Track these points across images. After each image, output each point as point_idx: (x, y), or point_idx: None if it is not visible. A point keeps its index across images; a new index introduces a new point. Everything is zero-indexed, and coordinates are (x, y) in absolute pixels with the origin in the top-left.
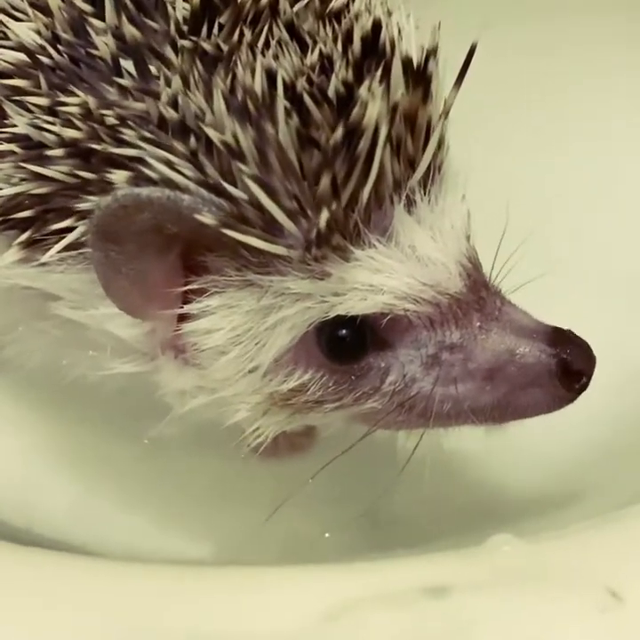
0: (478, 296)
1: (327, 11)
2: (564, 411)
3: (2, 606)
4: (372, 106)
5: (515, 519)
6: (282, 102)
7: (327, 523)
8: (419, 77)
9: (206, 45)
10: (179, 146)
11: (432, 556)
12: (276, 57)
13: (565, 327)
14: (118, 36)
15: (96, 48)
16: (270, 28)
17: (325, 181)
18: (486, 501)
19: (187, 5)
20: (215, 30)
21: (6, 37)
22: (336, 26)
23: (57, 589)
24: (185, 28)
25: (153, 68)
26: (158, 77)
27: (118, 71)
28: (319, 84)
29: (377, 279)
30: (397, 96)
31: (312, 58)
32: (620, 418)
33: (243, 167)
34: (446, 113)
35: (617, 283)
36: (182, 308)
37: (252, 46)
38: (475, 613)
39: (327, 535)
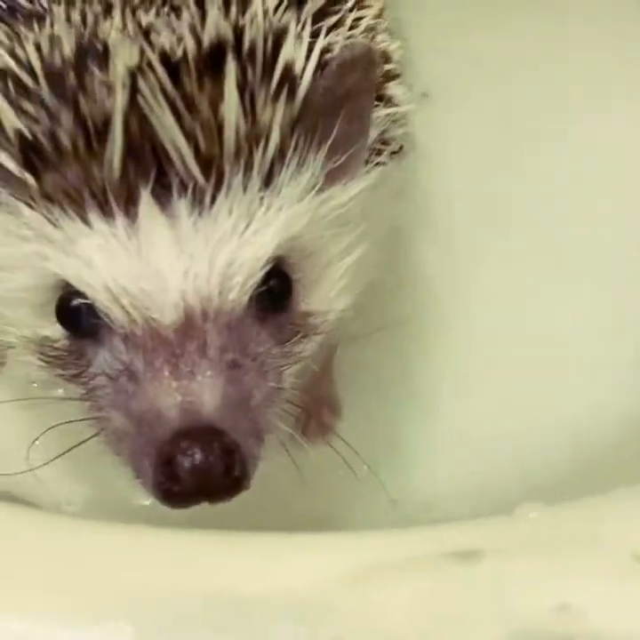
0: (180, 343)
1: None
2: (595, 382)
3: None
4: (119, 67)
5: (543, 489)
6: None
7: (350, 499)
8: (206, 69)
9: None
10: None
11: (460, 523)
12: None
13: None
14: None
15: None
16: None
17: (76, 129)
18: (514, 474)
19: None
20: None
21: None
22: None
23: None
24: None
25: None
26: None
27: None
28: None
29: (97, 257)
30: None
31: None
32: None
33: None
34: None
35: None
36: None
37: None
38: (502, 577)
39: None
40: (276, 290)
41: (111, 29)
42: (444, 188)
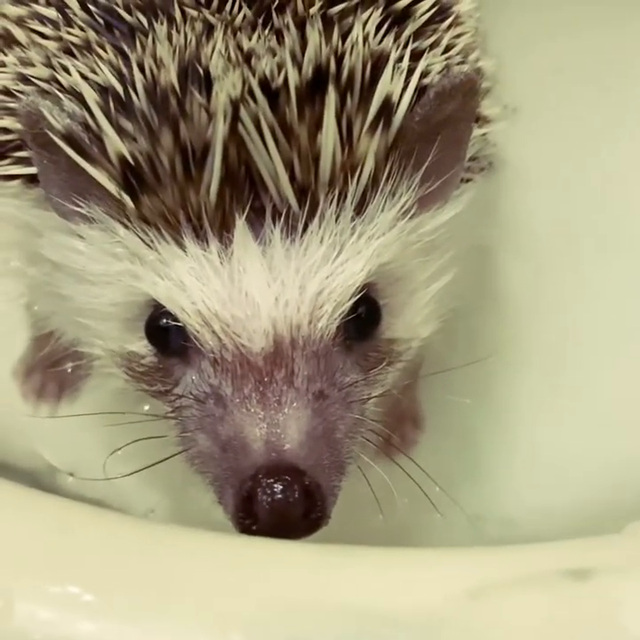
0: (269, 371)
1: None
2: None
3: None
4: (222, 93)
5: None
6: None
7: (436, 520)
8: (307, 97)
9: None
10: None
11: (570, 541)
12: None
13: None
14: None
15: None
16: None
17: (176, 154)
18: (605, 504)
19: None
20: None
21: None
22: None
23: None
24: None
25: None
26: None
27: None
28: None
29: (190, 281)
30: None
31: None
32: None
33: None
34: (376, 162)
35: None
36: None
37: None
38: (619, 595)
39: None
40: (365, 317)
41: (213, 53)
42: (531, 204)
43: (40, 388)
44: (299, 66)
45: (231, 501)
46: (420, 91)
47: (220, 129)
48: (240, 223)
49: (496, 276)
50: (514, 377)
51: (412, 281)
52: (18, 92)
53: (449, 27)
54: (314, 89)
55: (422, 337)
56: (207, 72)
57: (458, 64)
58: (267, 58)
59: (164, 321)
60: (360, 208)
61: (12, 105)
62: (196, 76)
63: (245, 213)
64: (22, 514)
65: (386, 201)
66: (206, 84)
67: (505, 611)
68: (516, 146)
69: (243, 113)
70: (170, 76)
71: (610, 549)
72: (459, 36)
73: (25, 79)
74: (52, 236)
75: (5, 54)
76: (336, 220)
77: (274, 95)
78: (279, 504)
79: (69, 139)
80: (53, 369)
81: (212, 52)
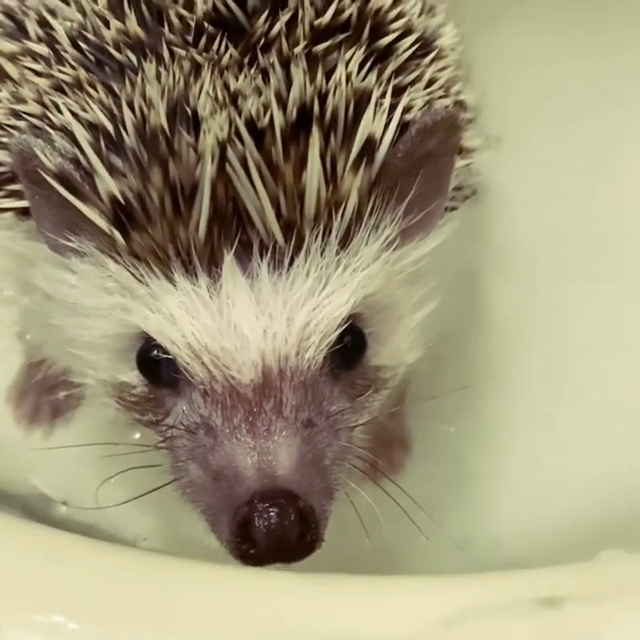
0: (258, 401)
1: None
2: None
3: None
4: (209, 134)
5: (621, 537)
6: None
7: (422, 543)
8: (292, 137)
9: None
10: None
11: (543, 569)
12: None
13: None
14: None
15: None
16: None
17: (165, 191)
18: (590, 521)
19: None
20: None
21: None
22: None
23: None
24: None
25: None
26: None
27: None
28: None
29: (179, 314)
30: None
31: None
32: None
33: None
34: (360, 197)
35: None
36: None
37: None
38: (591, 623)
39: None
40: (350, 346)
41: (200, 93)
42: (521, 230)
43: (33, 412)
44: (283, 106)
45: (227, 528)
46: (403, 126)
47: (208, 169)
48: (228, 258)
49: (484, 300)
50: (501, 400)
51: (397, 309)
52: (10, 126)
53: (431, 61)
54: (298, 128)
55: (408, 363)
56: (195, 112)
57: (440, 98)
58: (253, 98)
59: (155, 353)
60: (345, 242)
61: (4, 139)
62: (184, 116)
63: (233, 248)
64: (12, 544)
65: (370, 234)
66: (194, 123)
67: (478, 639)
68: (506, 173)
69: (230, 153)
70: (159, 115)
71: (582, 577)
72: (441, 69)
73: (17, 114)
74: (44, 267)
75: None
76: (321, 254)
77: (260, 135)
78: (276, 527)
79: (61, 177)
80: (46, 394)
81: (200, 91)
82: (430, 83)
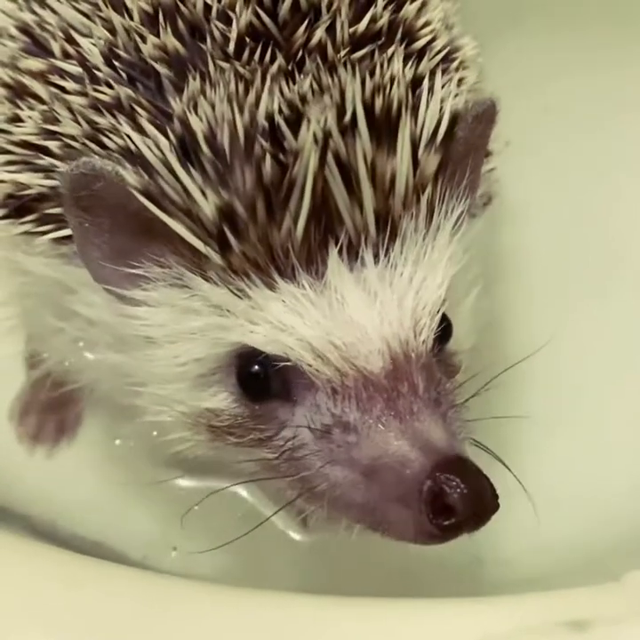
0: (393, 386)
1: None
2: None
3: None
4: (307, 133)
5: (635, 556)
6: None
7: (433, 563)
8: (381, 126)
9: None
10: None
11: (568, 591)
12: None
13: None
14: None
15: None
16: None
17: (260, 198)
18: (599, 543)
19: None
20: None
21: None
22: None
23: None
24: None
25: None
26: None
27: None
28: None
29: (289, 319)
30: (335, 134)
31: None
32: None
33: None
34: (435, 181)
35: None
36: (128, 290)
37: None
38: None
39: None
40: (442, 330)
41: (261, 100)
42: (527, 241)
43: (36, 431)
44: (367, 99)
45: (415, 514)
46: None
47: (311, 166)
48: (333, 254)
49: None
50: (507, 412)
51: (456, 294)
52: (40, 147)
53: (457, 68)
54: (388, 119)
55: (468, 348)
56: (271, 117)
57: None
58: (329, 96)
59: (256, 368)
60: (429, 224)
61: (34, 160)
62: (261, 121)
63: (339, 244)
64: (18, 564)
65: (446, 216)
66: (271, 128)
67: None
68: (513, 183)
69: (330, 146)
70: (238, 124)
71: (609, 599)
72: (465, 77)
73: (49, 133)
74: (86, 294)
75: (30, 108)
76: (414, 239)
77: (350, 128)
78: (472, 488)
79: (147, 194)
80: (50, 412)
81: (257, 99)
82: (459, 85)
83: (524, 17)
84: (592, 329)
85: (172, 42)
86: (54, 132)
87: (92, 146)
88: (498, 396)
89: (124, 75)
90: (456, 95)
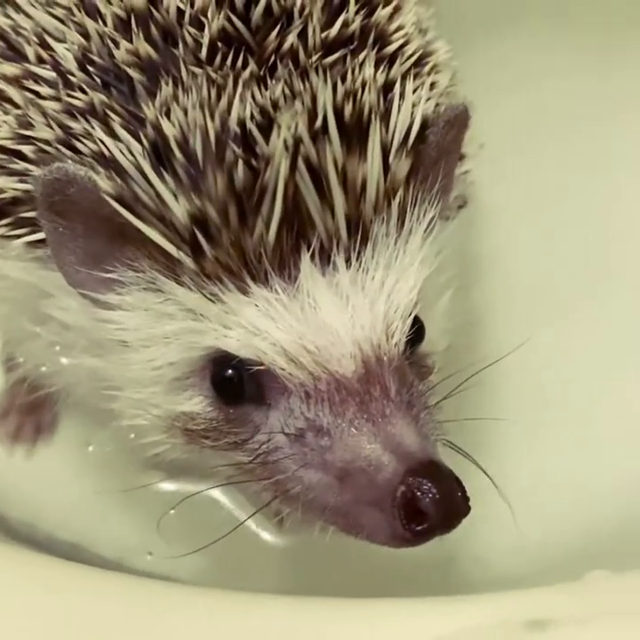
0: (366, 390)
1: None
2: None
3: None
4: (277, 137)
5: (608, 557)
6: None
7: (407, 562)
8: (351, 131)
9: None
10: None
11: (528, 590)
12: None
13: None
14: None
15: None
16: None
17: (232, 204)
18: (575, 543)
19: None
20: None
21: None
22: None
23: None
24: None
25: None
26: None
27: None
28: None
29: (263, 323)
30: (305, 138)
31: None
32: None
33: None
34: (406, 185)
35: None
36: (103, 294)
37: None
38: None
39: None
40: (413, 332)
41: (232, 106)
42: (510, 244)
43: (15, 431)
44: (337, 105)
45: (388, 517)
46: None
47: (282, 171)
48: (305, 259)
49: (473, 311)
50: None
51: (428, 297)
52: (14, 152)
53: (429, 72)
54: (359, 124)
55: (440, 351)
56: (243, 123)
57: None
58: (301, 102)
59: (230, 372)
60: (401, 229)
61: (8, 165)
62: (232, 127)
63: (310, 249)
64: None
65: (418, 220)
66: (243, 133)
67: None
68: (496, 186)
69: (300, 152)
70: (210, 130)
71: (569, 598)
72: (437, 81)
73: (24, 138)
74: (62, 298)
75: (4, 113)
76: (385, 243)
77: (320, 134)
78: (444, 492)
79: (120, 199)
80: (29, 413)
81: (231, 105)
82: (431, 89)
83: (523, 16)
84: (592, 329)
85: (144, 47)
86: (28, 137)
87: (66, 151)
88: (479, 396)
89: (97, 80)
90: (428, 99)
